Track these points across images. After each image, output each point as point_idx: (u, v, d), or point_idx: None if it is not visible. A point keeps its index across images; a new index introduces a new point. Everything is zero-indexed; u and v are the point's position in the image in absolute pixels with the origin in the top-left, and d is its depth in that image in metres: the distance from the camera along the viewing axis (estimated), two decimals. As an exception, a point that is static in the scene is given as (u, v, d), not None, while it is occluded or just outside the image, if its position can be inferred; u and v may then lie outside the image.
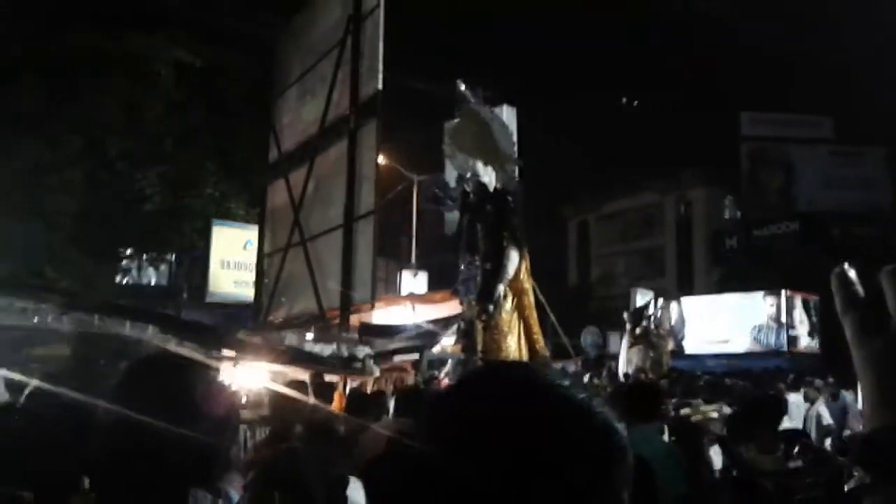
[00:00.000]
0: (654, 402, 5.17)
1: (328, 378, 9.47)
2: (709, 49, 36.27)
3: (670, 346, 20.07)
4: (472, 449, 0.86)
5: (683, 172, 38.00)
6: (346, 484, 3.60)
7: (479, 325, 8.64)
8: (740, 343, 26.70)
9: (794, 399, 11.23)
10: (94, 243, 16.45)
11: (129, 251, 19.92)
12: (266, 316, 15.80)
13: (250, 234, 18.90)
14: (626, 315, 18.99)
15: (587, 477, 0.88)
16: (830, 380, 13.86)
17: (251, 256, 18.56)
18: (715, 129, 36.73)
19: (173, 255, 21.18)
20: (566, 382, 0.93)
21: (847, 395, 11.60)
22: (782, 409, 5.27)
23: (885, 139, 34.34)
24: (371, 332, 12.13)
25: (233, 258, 19.28)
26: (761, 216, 35.25)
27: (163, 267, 21.57)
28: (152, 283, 21.75)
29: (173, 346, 8.92)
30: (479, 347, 8.68)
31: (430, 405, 0.96)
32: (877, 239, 32.76)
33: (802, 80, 34.88)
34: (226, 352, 9.56)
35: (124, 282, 20.37)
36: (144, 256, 20.30)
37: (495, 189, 9.00)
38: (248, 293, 18.51)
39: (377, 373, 10.05)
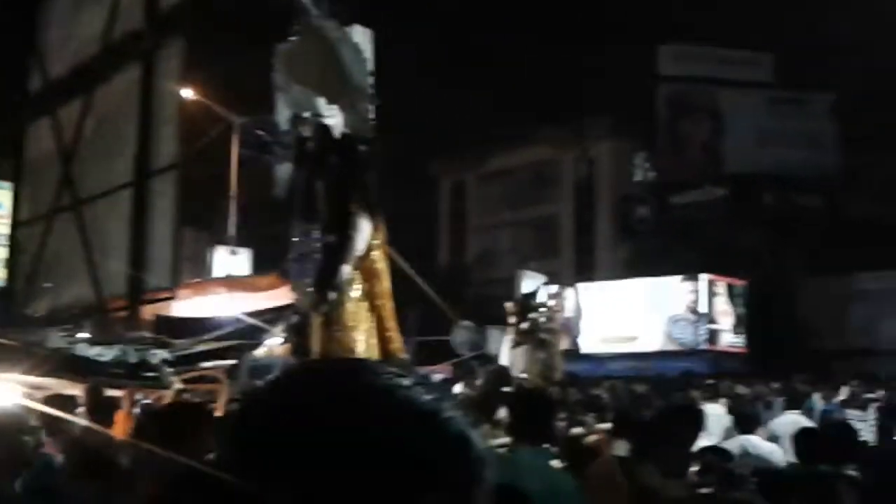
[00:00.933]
0: (545, 417, 5.28)
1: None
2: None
3: (564, 344, 20.64)
4: (282, 474, 0.88)
5: (585, 121, 39.01)
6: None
7: (317, 319, 8.55)
8: (651, 340, 27.89)
9: (713, 410, 11.84)
10: None
11: None
12: (23, 307, 15.29)
13: (0, 194, 18.20)
14: (509, 305, 19.38)
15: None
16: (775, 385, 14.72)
17: (2, 225, 17.92)
18: (625, 67, 37.90)
19: None
20: (407, 382, 0.95)
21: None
22: (698, 422, 5.50)
23: (834, 85, 36.27)
24: (171, 329, 11.92)
25: (-25, 227, 18.55)
26: (680, 179, 36.75)
27: None
28: None
29: None
30: (316, 348, 8.60)
31: (232, 421, 0.99)
32: (820, 210, 34.88)
33: (738, 7, 36.42)
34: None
35: None
36: None
37: (343, 135, 8.89)
38: (-4, 275, 17.86)
39: (177, 385, 9.86)
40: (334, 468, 0.88)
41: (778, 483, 5.19)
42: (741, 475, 5.54)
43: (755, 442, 7.62)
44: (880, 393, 13.32)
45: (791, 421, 8.96)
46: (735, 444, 7.56)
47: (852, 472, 5.30)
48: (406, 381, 0.96)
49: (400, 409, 0.93)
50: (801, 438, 6.22)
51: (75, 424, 6.89)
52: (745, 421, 8.25)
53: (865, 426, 10.39)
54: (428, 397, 0.95)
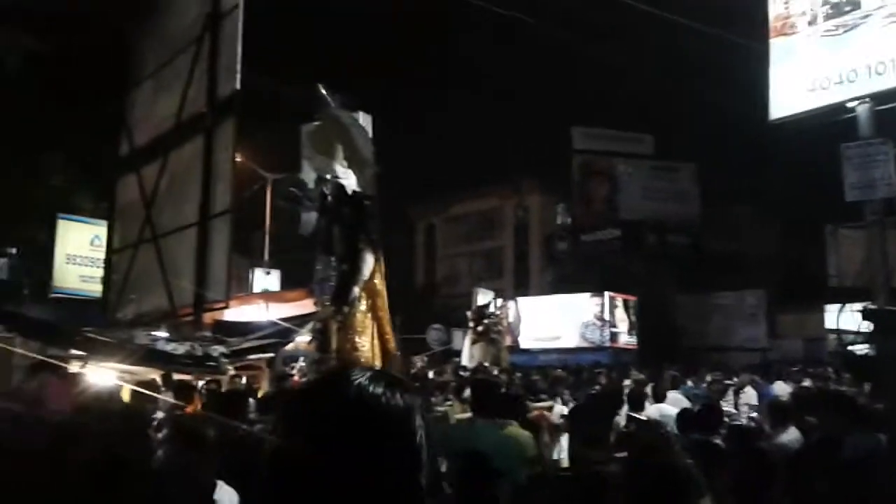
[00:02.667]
0: (493, 397, 5.31)
1: (178, 377, 9.10)
2: (548, 67, 37.73)
3: (508, 341, 20.68)
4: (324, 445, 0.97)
5: (522, 180, 39.29)
6: (213, 489, 3.48)
7: (334, 325, 8.55)
8: (569, 339, 27.93)
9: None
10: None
11: (-36, 244, 18.35)
12: (115, 313, 14.98)
13: (98, 229, 17.88)
14: (468, 313, 19.42)
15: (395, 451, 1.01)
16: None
17: (99, 252, 17.59)
18: (552, 142, 38.26)
19: (14, 249, 19.65)
20: (374, 388, 1.03)
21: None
22: (618, 400, 5.56)
23: (696, 157, 36.90)
24: (225, 330, 11.76)
25: (79, 253, 18.11)
26: (589, 223, 36.99)
27: (2, 261, 19.94)
28: (-8, 278, 20.08)
29: (17, 344, 8.28)
30: (334, 346, 8.59)
31: (285, 411, 1.08)
32: (686, 246, 35.28)
33: (630, 100, 36.88)
34: (74, 351, 8.96)
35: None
36: (-17, 250, 18.75)
37: (353, 192, 8.94)
38: (95, 289, 17.51)
39: (231, 371, 9.77)
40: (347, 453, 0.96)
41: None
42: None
43: (666, 410, 7.56)
44: (735, 379, 13.45)
45: (674, 399, 9.01)
46: (654, 410, 7.53)
47: (718, 441, 5.37)
48: (373, 388, 1.03)
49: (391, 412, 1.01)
50: (680, 415, 6.26)
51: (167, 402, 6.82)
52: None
53: (726, 405, 10.49)
54: (402, 400, 1.03)
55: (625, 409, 6.94)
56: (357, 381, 1.03)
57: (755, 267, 30.85)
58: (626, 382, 11.99)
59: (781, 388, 12.34)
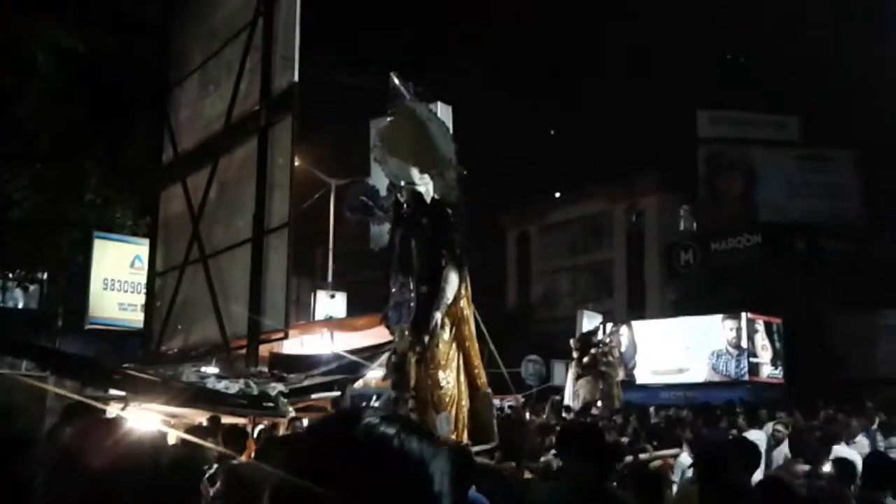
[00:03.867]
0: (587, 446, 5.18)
1: (230, 420, 9.33)
2: (665, 42, 37.26)
3: (621, 376, 20.43)
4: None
5: (635, 177, 38.85)
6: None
7: (413, 358, 8.64)
8: (697, 372, 27.37)
9: (755, 437, 11.55)
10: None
11: (-9, 268, 19.29)
12: (158, 346, 15.47)
13: (139, 249, 18.50)
14: (572, 342, 19.27)
15: None
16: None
17: (140, 276, 18.18)
18: (670, 130, 37.72)
19: (45, 274, 20.57)
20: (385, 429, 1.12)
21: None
22: (757, 455, 5.41)
23: (855, 142, 35.71)
24: (284, 364, 12.01)
25: (118, 277, 18.79)
26: (719, 228, 36.25)
27: (33, 287, 20.91)
28: (19, 307, 21.09)
29: (51, 383, 8.67)
30: (412, 383, 8.68)
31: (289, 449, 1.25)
32: (847, 253, 34.09)
33: (767, 76, 36.06)
34: (113, 391, 9.31)
35: (-15, 305, 19.75)
36: (10, 275, 19.65)
37: (433, 200, 9.03)
38: (136, 318, 18.09)
39: (292, 413, 9.94)
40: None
41: None
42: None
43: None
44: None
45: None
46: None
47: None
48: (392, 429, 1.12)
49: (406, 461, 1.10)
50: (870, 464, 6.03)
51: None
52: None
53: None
54: (417, 445, 1.11)
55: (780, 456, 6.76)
56: (367, 422, 1.13)
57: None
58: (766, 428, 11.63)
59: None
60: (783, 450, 10.41)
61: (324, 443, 1.14)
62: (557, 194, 42.18)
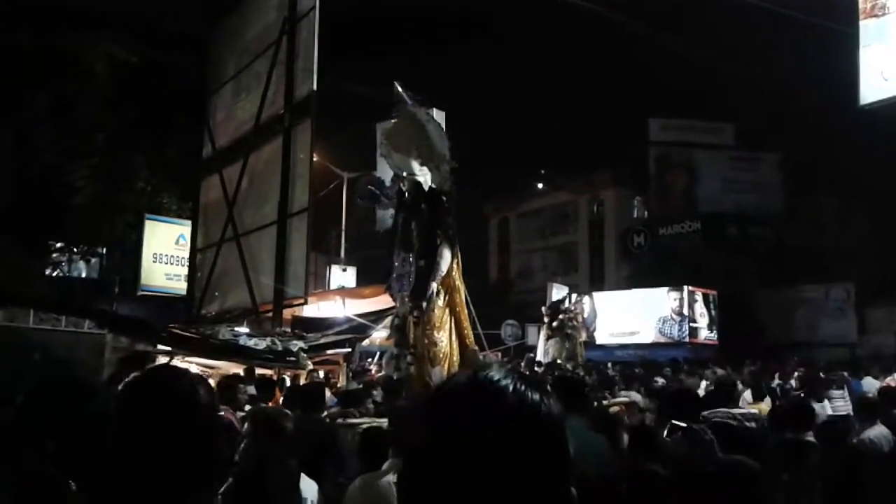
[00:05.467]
0: (580, 395, 5.23)
1: (261, 372, 9.31)
2: (622, 60, 37.12)
3: (583, 337, 20.45)
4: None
5: (596, 174, 38.82)
6: (298, 479, 3.56)
7: (412, 321, 8.62)
8: (646, 334, 27.47)
9: (691, 384, 11.66)
10: (23, 236, 15.77)
11: (58, 244, 19.17)
12: (199, 310, 15.47)
13: (183, 229, 18.47)
14: (543, 309, 19.29)
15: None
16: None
17: (184, 251, 18.17)
18: (626, 134, 37.70)
19: (104, 249, 20.47)
20: (521, 386, 0.99)
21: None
22: (698, 401, 5.44)
23: (778, 146, 35.80)
24: (303, 325, 12.01)
25: (165, 252, 18.72)
26: (666, 216, 36.29)
27: (93, 260, 20.81)
28: (83, 276, 20.99)
29: (110, 340, 8.63)
30: (411, 342, 8.66)
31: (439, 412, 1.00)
32: (769, 238, 34.21)
33: (707, 87, 35.98)
34: (161, 346, 9.28)
35: (54, 275, 19.58)
36: (74, 250, 19.56)
37: (430, 189, 8.98)
38: (180, 287, 18.08)
39: (310, 366, 9.94)
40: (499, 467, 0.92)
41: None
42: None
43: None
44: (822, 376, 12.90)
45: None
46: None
47: (811, 438, 5.21)
48: (530, 391, 0.99)
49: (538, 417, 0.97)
50: (773, 412, 6.08)
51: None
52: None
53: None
54: (548, 403, 0.99)
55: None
56: (516, 386, 0.99)
57: (842, 260, 29.66)
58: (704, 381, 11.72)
59: (870, 385, 11.81)
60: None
61: (480, 409, 0.96)
62: (539, 185, 42.05)
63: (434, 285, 8.46)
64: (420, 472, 0.96)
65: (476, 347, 9.22)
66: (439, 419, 0.98)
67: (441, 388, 1.05)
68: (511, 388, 0.98)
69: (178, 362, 9.14)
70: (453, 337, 8.63)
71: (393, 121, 9.75)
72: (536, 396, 0.99)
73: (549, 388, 1.04)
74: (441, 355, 8.49)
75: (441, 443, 0.95)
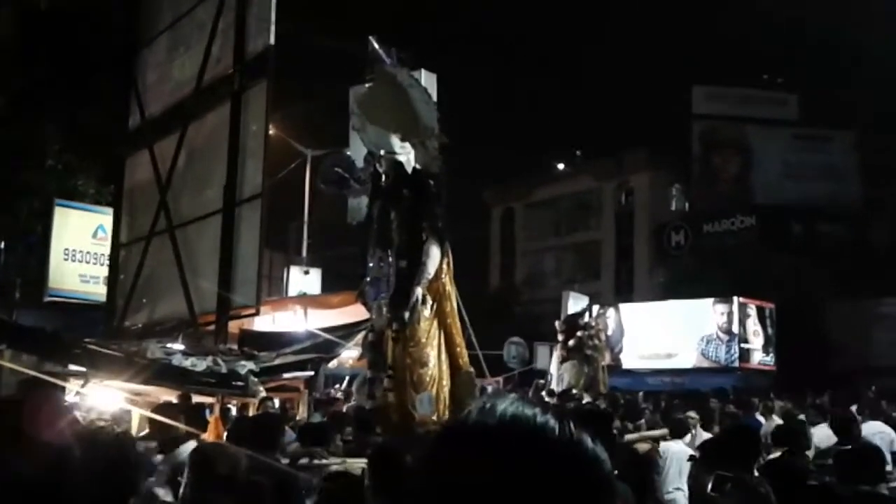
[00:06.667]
0: (607, 434, 5.23)
1: (196, 399, 9.29)
2: (661, 14, 37.23)
3: (607, 360, 20.53)
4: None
5: (625, 154, 38.92)
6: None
7: (390, 336, 8.63)
8: (686, 357, 27.52)
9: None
10: None
11: (-56, 236, 19.13)
12: (122, 320, 15.42)
13: (102, 218, 18.40)
14: (557, 324, 19.34)
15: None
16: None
17: (103, 247, 18.11)
18: (663, 105, 37.83)
19: (2, 243, 20.40)
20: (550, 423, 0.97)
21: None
22: (759, 440, 5.45)
23: (855, 123, 35.89)
24: (254, 342, 11.95)
25: (80, 248, 18.65)
26: (712, 208, 36.43)
27: (-12, 257, 20.76)
28: (-25, 277, 20.92)
29: (7, 358, 8.60)
30: (389, 363, 8.67)
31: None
32: (843, 238, 34.33)
33: (767, 53, 36.15)
34: (73, 366, 9.24)
35: (-63, 274, 19.57)
36: (-36, 243, 19.52)
37: (414, 170, 8.99)
38: (98, 291, 18.03)
39: (263, 393, 9.91)
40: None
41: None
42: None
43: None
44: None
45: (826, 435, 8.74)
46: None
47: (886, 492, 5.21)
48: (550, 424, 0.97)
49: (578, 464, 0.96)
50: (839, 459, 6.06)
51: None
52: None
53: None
54: (589, 448, 0.98)
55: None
56: (555, 423, 0.98)
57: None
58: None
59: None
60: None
61: (482, 439, 0.95)
62: (555, 167, 42.15)
63: (419, 291, 8.46)
64: None
65: (471, 369, 9.24)
66: (457, 469, 0.95)
67: (455, 426, 1.02)
68: (550, 426, 0.97)
69: (94, 387, 9.13)
70: (443, 356, 8.64)
71: (368, 85, 9.75)
72: (586, 440, 0.98)
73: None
74: (428, 378, 8.50)
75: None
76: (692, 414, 9.13)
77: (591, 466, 0.97)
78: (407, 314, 8.42)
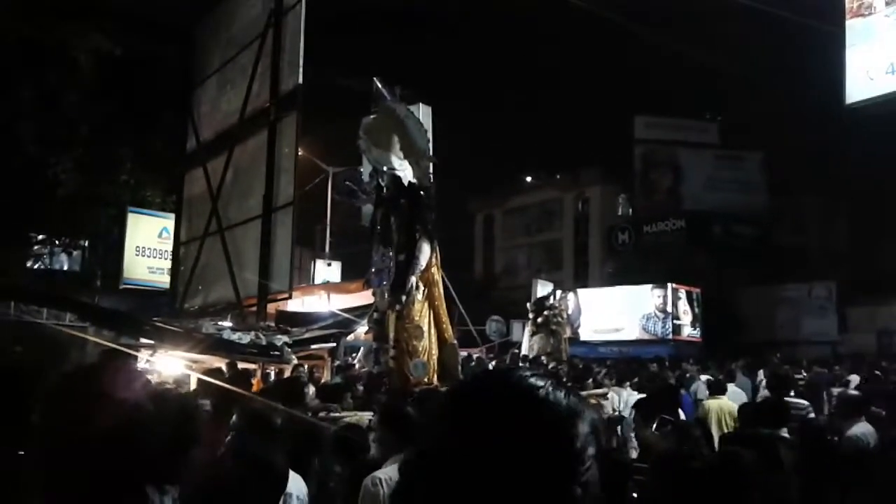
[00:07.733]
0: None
1: (242, 366, 9.29)
2: (607, 56, 37.24)
3: (568, 333, 20.51)
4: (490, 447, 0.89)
5: (582, 171, 38.92)
6: (286, 478, 3.52)
7: (391, 315, 8.63)
8: (630, 331, 27.48)
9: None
10: (5, 228, 15.64)
11: (40, 236, 19.02)
12: (182, 303, 15.39)
13: (166, 222, 18.36)
14: (528, 305, 19.33)
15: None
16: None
17: (167, 244, 18.07)
18: (612, 132, 37.85)
19: (86, 242, 20.33)
20: (540, 382, 0.95)
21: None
22: (678, 395, 5.48)
23: (762, 145, 36.02)
24: (288, 320, 11.96)
25: (148, 245, 18.60)
26: (651, 214, 36.40)
27: (75, 253, 20.66)
28: (65, 269, 20.82)
29: (90, 333, 8.58)
30: (391, 336, 8.67)
31: (450, 411, 0.97)
32: (753, 237, 34.42)
33: (693, 86, 36.16)
34: (143, 340, 9.23)
35: (35, 267, 19.43)
36: (57, 242, 19.42)
37: (410, 183, 8.99)
38: (163, 280, 17.98)
39: (295, 360, 9.91)
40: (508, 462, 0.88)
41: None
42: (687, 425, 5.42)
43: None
44: (804, 374, 13.05)
45: (734, 392, 8.80)
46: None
47: (785, 434, 5.23)
48: (539, 383, 0.95)
49: (552, 413, 0.92)
50: (743, 409, 6.11)
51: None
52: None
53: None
54: (566, 400, 0.94)
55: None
56: (523, 379, 0.96)
57: (824, 259, 29.86)
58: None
59: (853, 381, 11.91)
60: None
61: (473, 392, 0.96)
62: (527, 179, 42.13)
63: (413, 279, 8.48)
64: (439, 468, 0.92)
65: (455, 342, 9.24)
66: (465, 416, 0.94)
67: (466, 383, 1.03)
68: (545, 388, 0.95)
69: (160, 356, 9.12)
70: (432, 331, 8.65)
71: (372, 116, 9.75)
72: (561, 394, 0.95)
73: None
74: (421, 348, 8.51)
75: (465, 441, 0.91)
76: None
77: (574, 416, 0.93)
78: (404, 297, 8.45)
